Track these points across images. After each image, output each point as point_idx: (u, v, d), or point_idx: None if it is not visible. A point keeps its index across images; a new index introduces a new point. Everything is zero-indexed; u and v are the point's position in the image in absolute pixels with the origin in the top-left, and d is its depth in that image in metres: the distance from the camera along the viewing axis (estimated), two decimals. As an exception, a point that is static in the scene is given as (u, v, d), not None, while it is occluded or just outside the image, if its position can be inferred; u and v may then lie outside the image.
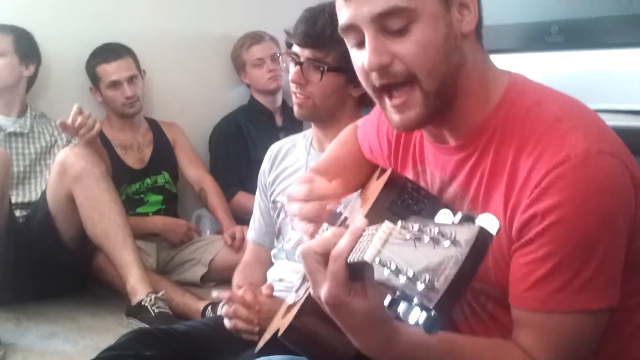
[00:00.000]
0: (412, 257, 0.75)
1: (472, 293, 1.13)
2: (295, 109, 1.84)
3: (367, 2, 1.01)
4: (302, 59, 1.78)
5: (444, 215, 0.77)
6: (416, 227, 0.77)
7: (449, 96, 1.05)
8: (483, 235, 0.71)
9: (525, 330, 1.00)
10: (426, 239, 0.74)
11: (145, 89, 3.26)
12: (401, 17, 1.00)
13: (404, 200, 1.14)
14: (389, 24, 1.01)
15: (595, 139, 0.98)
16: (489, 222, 0.72)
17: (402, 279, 0.73)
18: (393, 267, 0.76)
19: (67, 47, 3.20)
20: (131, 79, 3.12)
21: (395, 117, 1.07)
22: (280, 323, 1.28)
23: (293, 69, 1.81)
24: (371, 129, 1.35)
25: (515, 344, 1.01)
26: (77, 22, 3.24)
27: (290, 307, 1.29)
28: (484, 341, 1.05)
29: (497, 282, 1.05)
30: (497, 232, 0.72)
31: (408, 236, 0.77)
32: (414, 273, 0.72)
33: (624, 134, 1.11)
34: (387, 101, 1.07)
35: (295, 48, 1.80)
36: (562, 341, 0.98)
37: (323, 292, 0.90)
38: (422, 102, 1.04)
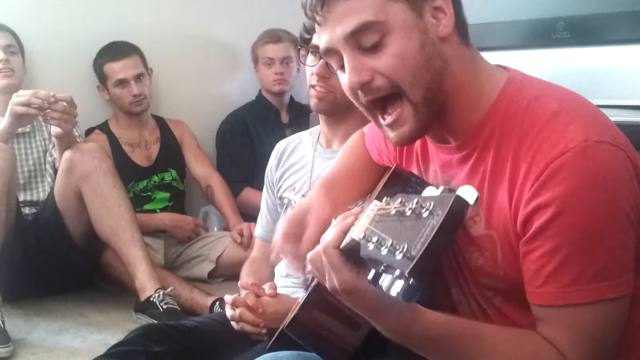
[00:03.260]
0: (394, 229, 0.77)
1: (478, 288, 1.14)
2: (314, 102, 1.82)
3: (338, 23, 1.03)
4: None
5: (429, 190, 0.79)
6: (399, 201, 0.79)
7: (439, 102, 1.06)
8: (458, 204, 0.73)
9: (547, 325, 1.00)
10: (408, 212, 0.76)
11: (152, 87, 3.27)
12: (373, 32, 1.01)
13: (407, 194, 1.15)
14: (362, 40, 1.02)
15: (594, 130, 0.97)
16: (467, 192, 0.74)
17: (384, 251, 0.75)
18: (375, 240, 0.78)
19: (75, 46, 3.22)
20: (138, 77, 3.13)
21: (391, 134, 1.09)
22: (290, 318, 1.29)
23: (311, 61, 1.80)
24: (378, 130, 1.35)
25: (538, 333, 1.01)
26: (84, 20, 3.25)
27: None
28: (507, 327, 1.05)
29: (505, 276, 1.06)
30: (475, 202, 0.74)
31: (392, 211, 0.79)
32: (393, 243, 0.74)
33: (630, 129, 1.11)
34: (381, 120, 1.08)
35: (317, 40, 1.78)
36: (583, 332, 0.98)
37: (337, 284, 0.93)
38: (414, 115, 1.04)
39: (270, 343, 1.39)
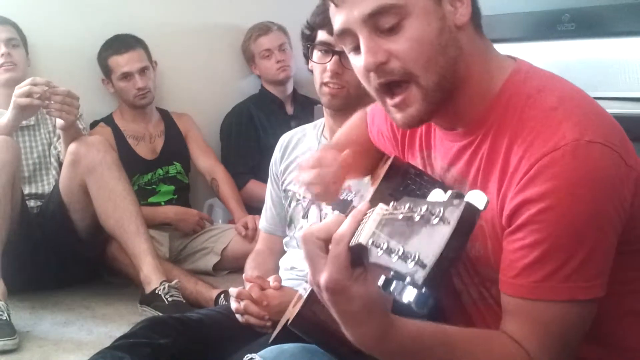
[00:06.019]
0: (403, 236, 0.75)
1: (477, 277, 1.14)
2: (328, 99, 1.83)
3: (356, 4, 1.02)
4: (338, 48, 1.76)
5: (436, 194, 0.78)
6: (407, 206, 0.78)
7: (450, 88, 1.06)
8: (470, 211, 0.71)
9: (514, 318, 1.01)
10: (417, 217, 0.75)
11: (157, 80, 3.27)
12: (392, 15, 1.01)
13: (406, 186, 1.15)
14: (380, 23, 1.02)
15: (588, 129, 0.97)
16: (477, 197, 0.73)
17: (394, 258, 0.74)
18: (385, 246, 0.77)
19: (79, 39, 3.22)
20: (143, 71, 3.13)
21: (397, 115, 1.08)
22: (292, 312, 1.29)
23: (319, 58, 1.81)
24: (380, 114, 1.36)
25: (506, 334, 1.01)
26: (89, 13, 3.26)
27: (302, 297, 1.30)
28: (477, 332, 1.06)
29: (497, 267, 1.06)
30: (485, 207, 0.73)
31: (400, 216, 0.78)
32: (404, 251, 0.73)
33: (635, 122, 1.11)
34: (388, 101, 1.08)
35: (326, 37, 1.78)
36: (550, 329, 0.99)
37: (323, 277, 0.88)
38: (422, 98, 1.04)
39: (273, 337, 1.39)
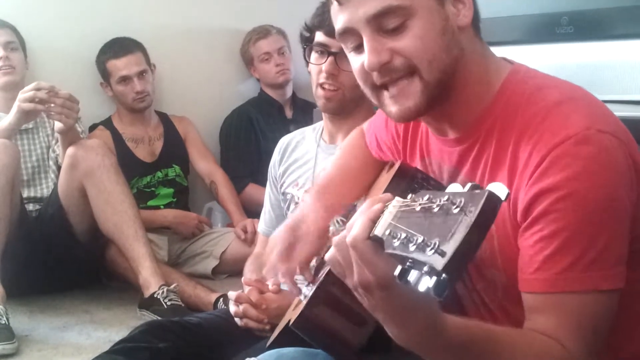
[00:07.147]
0: (421, 225, 0.75)
1: (481, 282, 1.14)
2: (323, 102, 1.82)
3: (361, 4, 1.02)
4: (334, 49, 1.76)
5: (454, 187, 0.77)
6: (426, 198, 0.77)
7: (449, 87, 1.06)
8: (492, 200, 0.71)
9: (542, 314, 0.99)
10: (435, 208, 0.74)
11: (155, 83, 3.27)
12: (397, 15, 1.01)
13: (413, 190, 1.15)
14: (385, 23, 1.02)
15: (596, 120, 0.98)
16: (498, 188, 0.73)
17: (412, 247, 0.73)
18: (403, 236, 0.76)
19: (78, 42, 3.23)
20: (141, 74, 3.13)
21: (393, 107, 1.07)
22: (293, 314, 1.29)
23: (316, 59, 1.81)
24: (380, 123, 1.35)
25: (534, 331, 0.98)
26: (87, 16, 3.26)
27: (301, 300, 1.30)
28: (512, 329, 1.02)
29: (503, 268, 1.06)
30: (506, 198, 0.72)
31: (418, 207, 0.77)
32: (424, 239, 0.72)
33: (635, 125, 1.11)
34: (385, 93, 1.07)
35: (322, 38, 1.78)
36: (578, 320, 0.97)
37: (372, 277, 0.84)
38: (421, 91, 1.04)
39: (272, 339, 1.39)
